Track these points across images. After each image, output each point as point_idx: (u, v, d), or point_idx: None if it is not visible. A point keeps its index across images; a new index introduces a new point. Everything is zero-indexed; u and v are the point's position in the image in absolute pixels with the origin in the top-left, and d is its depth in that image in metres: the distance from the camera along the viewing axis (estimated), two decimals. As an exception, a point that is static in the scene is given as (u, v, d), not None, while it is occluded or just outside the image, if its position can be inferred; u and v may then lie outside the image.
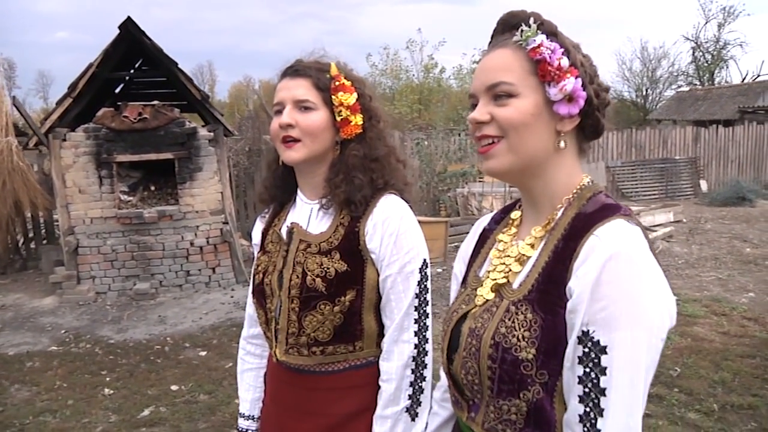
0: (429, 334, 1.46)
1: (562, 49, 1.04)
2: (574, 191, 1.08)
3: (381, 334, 1.48)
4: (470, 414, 1.11)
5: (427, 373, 1.45)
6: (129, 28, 6.61)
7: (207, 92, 7.46)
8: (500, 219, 1.26)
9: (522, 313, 1.02)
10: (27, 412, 4.01)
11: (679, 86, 27.11)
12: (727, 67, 27.59)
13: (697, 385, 4.05)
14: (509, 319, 1.02)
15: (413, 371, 1.42)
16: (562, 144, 1.05)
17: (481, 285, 1.15)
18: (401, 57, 27.04)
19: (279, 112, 1.46)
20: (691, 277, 7.12)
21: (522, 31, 1.05)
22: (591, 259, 0.94)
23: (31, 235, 8.96)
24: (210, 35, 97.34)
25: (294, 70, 1.48)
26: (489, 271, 1.16)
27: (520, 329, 1.00)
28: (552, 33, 1.06)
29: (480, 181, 12.08)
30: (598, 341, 0.92)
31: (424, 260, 1.46)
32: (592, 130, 1.09)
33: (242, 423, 1.66)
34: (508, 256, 1.13)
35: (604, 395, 0.92)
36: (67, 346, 5.39)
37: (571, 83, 1.02)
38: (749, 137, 15.21)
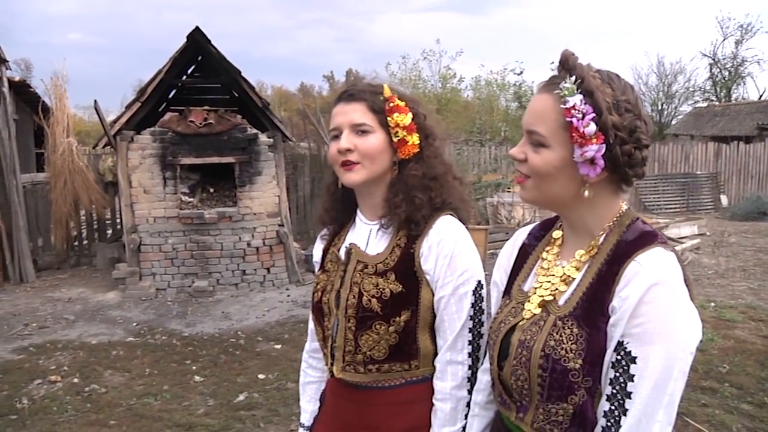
0: (481, 354, 1.47)
1: (593, 114, 1.08)
2: (615, 219, 1.17)
3: (437, 353, 1.50)
4: (519, 414, 1.21)
5: None
6: (196, 37, 6.96)
7: None
8: (540, 236, 1.35)
9: (569, 327, 1.12)
10: (129, 395, 4.32)
11: (696, 102, 27.44)
12: (744, 84, 27.94)
13: (746, 381, 4.34)
14: (557, 333, 1.13)
15: (468, 392, 1.45)
16: (586, 193, 1.13)
17: (528, 300, 1.24)
18: (420, 67, 27.48)
19: (336, 137, 1.50)
20: (723, 286, 7.42)
21: (563, 87, 1.10)
22: (634, 283, 1.06)
23: (84, 232, 9.29)
24: (222, 40, 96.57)
25: (349, 95, 1.52)
26: (535, 288, 1.25)
27: (567, 342, 1.11)
28: (589, 92, 1.09)
29: (508, 191, 12.39)
30: (630, 351, 1.05)
31: (479, 282, 1.47)
32: (624, 181, 1.16)
33: None
34: (553, 275, 1.23)
35: (629, 398, 1.05)
36: (143, 338, 5.71)
37: (592, 151, 1.09)
38: (769, 154, 15.50)
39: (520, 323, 1.22)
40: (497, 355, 1.25)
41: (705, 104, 25.58)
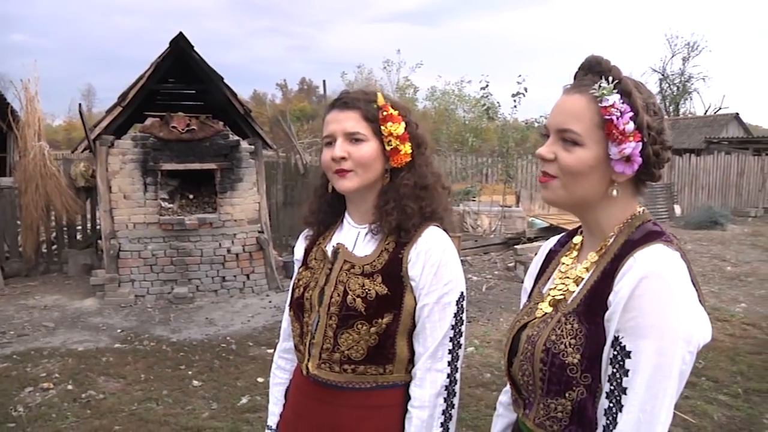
0: (460, 364, 1.50)
1: (632, 112, 1.12)
2: (627, 220, 1.19)
3: (411, 361, 1.52)
4: (525, 411, 1.25)
5: (456, 401, 1.50)
6: (180, 43, 6.97)
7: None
8: (565, 242, 1.39)
9: (570, 323, 1.15)
10: (129, 400, 4.33)
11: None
12: (691, 99, 29.32)
13: (721, 375, 4.69)
14: (559, 329, 1.16)
15: (445, 400, 1.47)
16: (614, 192, 1.17)
17: (543, 300, 1.28)
18: (375, 77, 27.75)
19: (330, 144, 1.52)
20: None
21: (600, 86, 1.13)
22: (627, 276, 1.07)
23: (54, 239, 9.09)
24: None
25: (343, 103, 1.54)
26: (551, 289, 1.29)
27: (567, 337, 1.14)
28: (627, 93, 1.13)
29: (472, 200, 12.68)
30: (624, 346, 1.05)
31: (462, 293, 1.50)
32: (647, 179, 1.21)
33: None
34: (568, 277, 1.27)
35: (625, 393, 1.04)
36: (131, 344, 5.67)
37: (630, 148, 1.12)
38: (718, 166, 16.33)
39: (532, 321, 1.25)
40: (508, 351, 1.29)
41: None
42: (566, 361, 1.12)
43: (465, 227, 12.39)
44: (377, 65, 41.56)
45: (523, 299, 1.43)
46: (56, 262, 8.92)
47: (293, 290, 1.64)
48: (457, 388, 1.49)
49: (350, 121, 1.50)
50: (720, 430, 3.85)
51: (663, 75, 28.94)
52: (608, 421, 1.07)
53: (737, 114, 22.32)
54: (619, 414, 1.05)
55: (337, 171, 1.49)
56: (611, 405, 1.07)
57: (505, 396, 1.45)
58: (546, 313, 1.23)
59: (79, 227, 9.18)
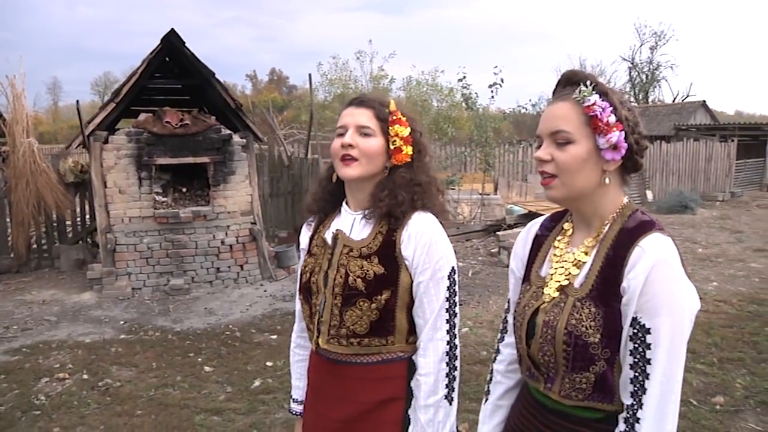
0: (457, 331, 1.66)
1: (611, 107, 1.32)
2: (618, 210, 1.37)
3: (410, 332, 1.68)
4: (547, 385, 1.41)
5: (458, 363, 1.66)
6: (171, 39, 7.12)
7: None
8: (551, 226, 1.55)
9: (587, 307, 1.31)
10: (145, 387, 4.55)
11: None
12: (660, 87, 30.14)
13: (696, 346, 5.09)
14: (577, 313, 1.32)
15: (447, 364, 1.63)
16: (607, 180, 1.35)
17: (546, 285, 1.43)
18: (351, 67, 27.89)
19: (341, 134, 1.68)
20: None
21: (580, 90, 1.33)
22: (640, 264, 1.25)
23: (44, 235, 9.15)
24: (138, 37, 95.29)
25: (359, 101, 1.72)
26: (551, 274, 1.44)
27: (587, 320, 1.30)
28: (604, 93, 1.33)
29: (452, 189, 13.01)
30: (644, 324, 1.24)
31: (453, 267, 1.65)
32: (632, 168, 1.39)
33: (294, 407, 1.95)
34: (566, 261, 1.42)
35: (649, 363, 1.24)
36: (136, 335, 5.88)
37: (616, 136, 1.31)
38: (687, 152, 16.94)
39: (542, 306, 1.40)
40: (525, 335, 1.43)
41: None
42: (588, 341, 1.29)
43: (447, 217, 12.69)
44: (349, 55, 41.55)
45: (512, 280, 1.60)
46: (47, 257, 8.99)
47: (301, 276, 1.79)
48: (457, 352, 1.65)
49: (363, 116, 1.67)
50: (699, 395, 4.23)
51: (632, 63, 29.80)
52: (636, 388, 1.26)
53: (704, 101, 23.08)
54: (646, 381, 1.24)
55: (344, 157, 1.64)
56: (637, 374, 1.25)
57: (502, 365, 1.64)
58: (554, 298, 1.38)
59: (69, 223, 9.27)
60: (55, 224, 9.18)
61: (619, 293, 1.28)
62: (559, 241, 1.48)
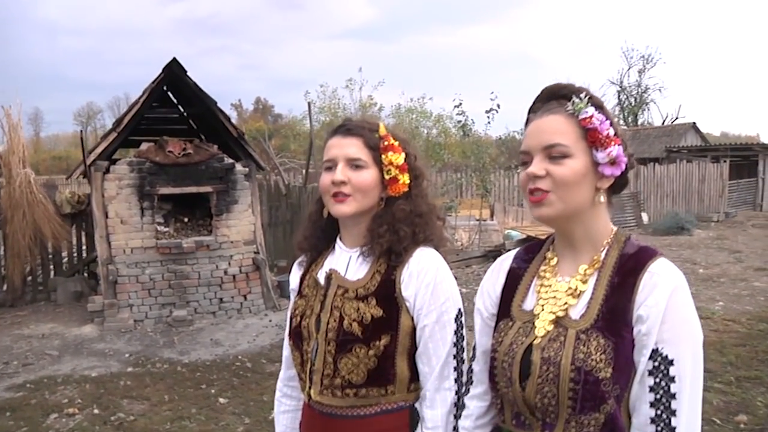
0: (464, 379, 1.53)
1: (608, 121, 1.26)
2: (612, 236, 1.31)
3: (412, 380, 1.55)
4: None
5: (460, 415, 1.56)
6: (173, 68, 7.20)
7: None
8: (528, 258, 1.44)
9: (594, 339, 1.20)
10: (161, 420, 4.52)
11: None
12: (649, 110, 30.76)
13: (712, 366, 5.16)
14: (584, 346, 1.20)
15: (455, 416, 1.52)
16: (601, 198, 1.28)
17: (537, 318, 1.31)
18: (339, 95, 28.16)
19: (330, 168, 1.57)
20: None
21: (575, 102, 1.26)
22: (658, 291, 1.18)
23: (39, 267, 9.07)
24: (122, 66, 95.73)
25: (346, 129, 1.60)
26: (542, 305, 1.32)
27: (596, 353, 1.19)
28: (599, 106, 1.27)
29: (449, 215, 13.12)
30: (666, 356, 1.16)
31: (459, 309, 1.54)
32: (620, 186, 1.32)
33: None
34: (558, 291, 1.31)
35: (674, 398, 1.15)
36: (143, 367, 5.83)
37: (616, 150, 1.25)
38: (680, 174, 17.26)
39: (536, 342, 1.28)
40: (518, 376, 1.28)
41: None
42: (600, 377, 1.17)
43: (448, 246, 12.80)
44: (334, 82, 41.96)
45: (478, 321, 1.47)
46: (42, 290, 8.90)
47: (291, 320, 1.68)
48: (464, 402, 1.55)
49: (352, 147, 1.56)
50: (720, 413, 4.29)
51: (621, 87, 30.47)
52: (660, 428, 1.16)
53: (694, 123, 23.56)
54: (673, 418, 1.15)
55: (335, 195, 1.54)
56: (659, 412, 1.16)
57: (468, 421, 1.47)
58: (549, 332, 1.27)
59: (65, 255, 9.22)
60: (51, 256, 9.13)
61: (630, 322, 1.19)
62: (544, 270, 1.38)
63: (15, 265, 8.47)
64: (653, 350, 1.16)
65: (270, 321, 7.42)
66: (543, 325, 1.29)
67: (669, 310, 1.16)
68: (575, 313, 1.26)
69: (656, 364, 1.16)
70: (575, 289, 1.28)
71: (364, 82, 27.81)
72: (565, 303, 1.28)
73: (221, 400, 4.89)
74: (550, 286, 1.34)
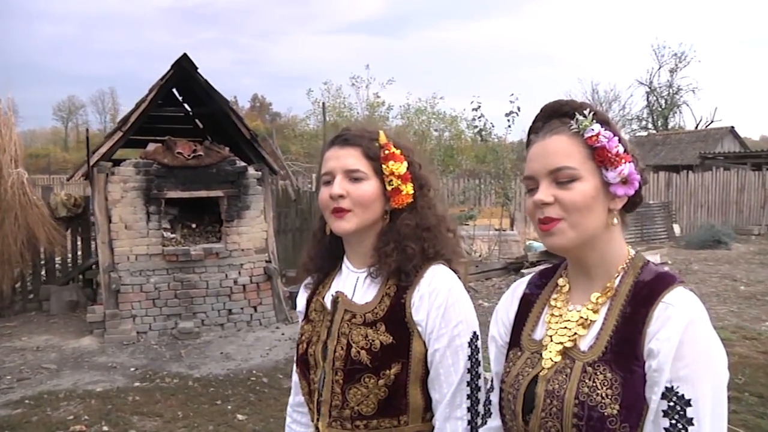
0: (481, 408, 1.52)
1: (616, 137, 1.26)
2: (627, 261, 1.30)
3: (427, 409, 1.56)
4: None
5: None
6: (183, 64, 7.35)
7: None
8: (541, 284, 1.45)
9: (601, 373, 1.20)
10: (177, 437, 4.63)
11: (633, 130, 29.95)
12: (681, 112, 30.86)
13: (764, 390, 5.26)
14: (589, 379, 1.20)
15: None
16: (615, 221, 1.28)
17: (545, 348, 1.32)
18: (344, 93, 28.38)
19: (328, 182, 1.58)
20: (706, 310, 8.46)
21: (578, 120, 1.26)
22: (671, 324, 1.16)
23: (30, 274, 9.17)
24: (107, 57, 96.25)
25: (343, 139, 1.61)
26: (550, 336, 1.33)
27: (602, 388, 1.18)
28: (605, 122, 1.27)
29: (465, 225, 13.24)
30: (683, 395, 1.12)
31: (474, 332, 1.54)
32: (633, 206, 1.32)
33: None
34: (568, 321, 1.31)
35: None
36: (152, 382, 5.94)
37: (627, 168, 1.25)
38: (717, 183, 17.35)
39: (542, 373, 1.28)
40: (521, 409, 1.30)
41: (645, 133, 27.91)
42: (605, 413, 1.16)
43: (461, 260, 12.90)
44: (337, 80, 42.21)
45: (492, 349, 1.49)
46: (32, 299, 9.01)
47: (297, 346, 1.70)
48: None
49: (350, 158, 1.57)
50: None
51: (650, 88, 30.57)
52: None
53: (732, 127, 23.61)
54: None
55: (335, 210, 1.56)
56: None
57: None
58: (556, 363, 1.28)
59: (58, 261, 9.33)
60: (43, 262, 9.24)
61: (641, 356, 1.18)
62: (555, 299, 1.39)
63: (5, 271, 8.56)
64: (667, 389, 1.14)
65: (282, 334, 7.53)
66: (550, 356, 1.29)
67: (685, 346, 1.13)
68: (584, 345, 1.26)
69: (671, 404, 1.13)
70: (586, 319, 1.29)
71: (371, 79, 27.98)
72: (575, 333, 1.28)
73: (239, 416, 5.00)
74: (561, 315, 1.34)
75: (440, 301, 1.51)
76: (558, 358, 1.28)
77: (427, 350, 1.53)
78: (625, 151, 1.26)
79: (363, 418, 1.53)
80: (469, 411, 1.52)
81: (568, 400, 1.20)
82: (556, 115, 1.31)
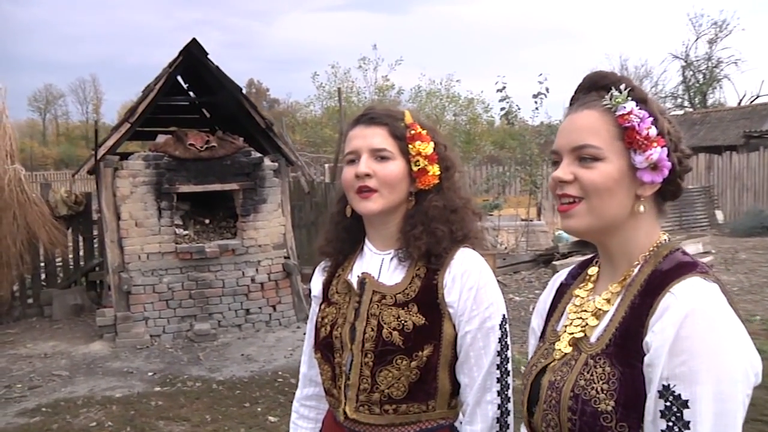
0: (510, 393, 1.64)
1: (651, 118, 1.26)
2: (651, 249, 1.30)
3: (453, 394, 1.67)
4: None
5: (511, 431, 1.65)
6: (192, 50, 7.61)
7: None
8: (577, 274, 1.51)
9: (600, 366, 1.23)
10: (209, 440, 4.91)
11: (668, 109, 30.01)
12: (721, 88, 30.77)
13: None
14: (588, 372, 1.24)
15: None
16: (641, 208, 1.28)
17: (559, 339, 1.38)
18: (352, 77, 28.60)
19: (353, 161, 1.69)
20: (757, 301, 8.73)
21: (612, 95, 1.28)
22: (668, 315, 1.15)
23: (29, 277, 9.40)
24: (85, 42, 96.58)
25: (369, 118, 1.71)
26: (566, 326, 1.38)
27: (598, 382, 1.21)
28: (642, 100, 1.28)
29: (490, 215, 13.46)
30: (680, 395, 1.11)
31: (504, 316, 1.65)
32: (672, 194, 1.33)
33: None
34: (585, 310, 1.36)
35: None
36: (173, 386, 6.23)
37: (657, 153, 1.24)
38: (764, 164, 17.45)
39: (551, 364, 1.35)
40: (527, 400, 1.38)
41: (681, 112, 27.97)
42: (598, 409, 1.19)
43: (484, 244, 13.13)
44: (340, 61, 42.34)
45: (531, 340, 1.57)
46: (32, 304, 9.24)
47: (317, 329, 1.79)
48: (510, 419, 1.65)
49: (377, 137, 1.68)
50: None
51: (686, 61, 30.55)
52: None
53: (782, 102, 23.63)
54: None
55: (360, 189, 1.65)
56: None
57: None
58: (566, 354, 1.33)
59: (59, 263, 9.59)
60: (43, 265, 9.48)
61: (642, 351, 1.19)
62: (581, 288, 1.45)
63: (4, 275, 8.75)
64: (664, 387, 1.13)
65: (304, 334, 7.68)
66: (562, 347, 1.35)
67: (681, 340, 1.12)
68: (594, 336, 1.30)
69: (668, 404, 1.13)
70: (599, 309, 1.32)
71: (379, 60, 28.19)
72: (586, 324, 1.33)
73: (271, 418, 5.28)
74: (581, 305, 1.39)
75: (472, 283, 1.62)
76: (568, 350, 1.33)
77: (456, 333, 1.64)
78: (660, 134, 1.26)
79: (393, 401, 1.63)
80: (499, 395, 1.63)
81: (564, 392, 1.25)
82: (595, 87, 1.34)
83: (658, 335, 1.15)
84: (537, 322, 1.55)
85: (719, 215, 16.65)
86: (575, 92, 1.38)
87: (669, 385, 1.12)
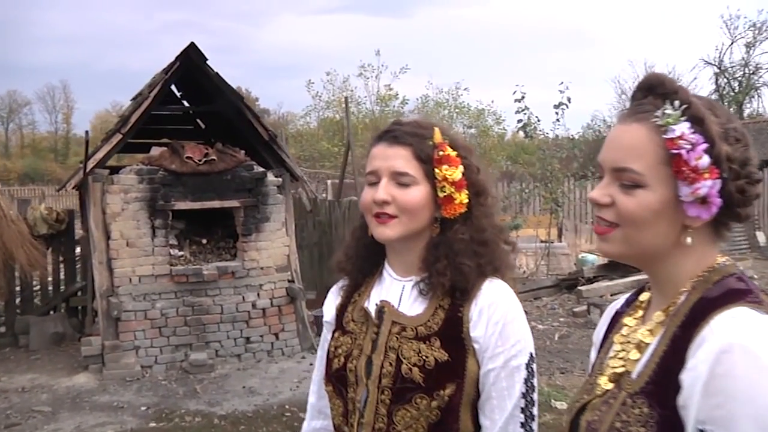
0: None
1: (705, 144, 1.19)
2: (702, 273, 1.26)
3: None
4: None
5: None
6: (191, 55, 7.76)
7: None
8: (632, 301, 1.48)
9: (638, 407, 1.21)
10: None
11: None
12: (760, 96, 30.67)
13: None
14: (625, 414, 1.22)
15: None
16: (688, 240, 1.24)
17: (602, 374, 1.37)
18: (351, 86, 28.76)
19: (372, 183, 1.70)
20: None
21: (664, 113, 1.22)
22: (702, 350, 1.13)
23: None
24: (54, 45, 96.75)
25: (393, 136, 1.70)
26: (610, 358, 1.38)
27: (635, 425, 1.20)
28: (698, 119, 1.20)
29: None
30: None
31: (531, 354, 1.65)
32: (730, 221, 1.28)
33: None
34: (629, 342, 1.35)
35: None
36: (169, 422, 6.33)
37: (706, 187, 1.19)
38: (809, 181, 17.51)
39: (592, 401, 1.34)
40: None
41: (715, 123, 28.08)
42: None
43: (517, 277, 13.23)
44: (336, 68, 42.56)
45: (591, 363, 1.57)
46: (5, 333, 9.26)
47: (329, 360, 1.78)
48: None
49: (399, 159, 1.67)
50: None
51: (719, 68, 30.53)
52: None
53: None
54: None
55: (377, 215, 1.66)
56: None
57: None
58: (607, 391, 1.32)
59: (37, 286, 9.65)
60: (18, 289, 9.53)
61: (679, 388, 1.17)
62: (631, 315, 1.43)
63: (-22, 300, 8.87)
64: (699, 431, 1.12)
65: (310, 365, 7.86)
66: (602, 383, 1.34)
67: (716, 379, 1.09)
68: (635, 371, 1.28)
69: None
70: (642, 342, 1.30)
71: (382, 68, 28.41)
72: (628, 357, 1.31)
73: (283, 455, 5.38)
74: (627, 335, 1.38)
75: (498, 317, 1.62)
76: (609, 386, 1.32)
77: (480, 370, 1.63)
78: (715, 162, 1.19)
79: None
80: None
81: None
82: (652, 92, 1.28)
83: (690, 372, 1.13)
84: (593, 354, 1.55)
85: (761, 237, 16.67)
86: (635, 91, 1.34)
87: (705, 430, 1.10)
